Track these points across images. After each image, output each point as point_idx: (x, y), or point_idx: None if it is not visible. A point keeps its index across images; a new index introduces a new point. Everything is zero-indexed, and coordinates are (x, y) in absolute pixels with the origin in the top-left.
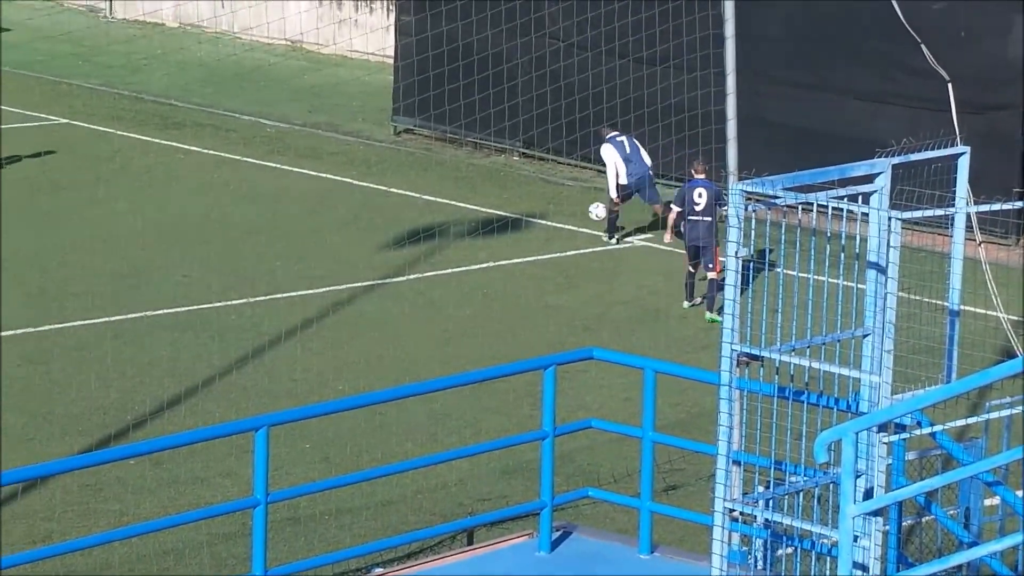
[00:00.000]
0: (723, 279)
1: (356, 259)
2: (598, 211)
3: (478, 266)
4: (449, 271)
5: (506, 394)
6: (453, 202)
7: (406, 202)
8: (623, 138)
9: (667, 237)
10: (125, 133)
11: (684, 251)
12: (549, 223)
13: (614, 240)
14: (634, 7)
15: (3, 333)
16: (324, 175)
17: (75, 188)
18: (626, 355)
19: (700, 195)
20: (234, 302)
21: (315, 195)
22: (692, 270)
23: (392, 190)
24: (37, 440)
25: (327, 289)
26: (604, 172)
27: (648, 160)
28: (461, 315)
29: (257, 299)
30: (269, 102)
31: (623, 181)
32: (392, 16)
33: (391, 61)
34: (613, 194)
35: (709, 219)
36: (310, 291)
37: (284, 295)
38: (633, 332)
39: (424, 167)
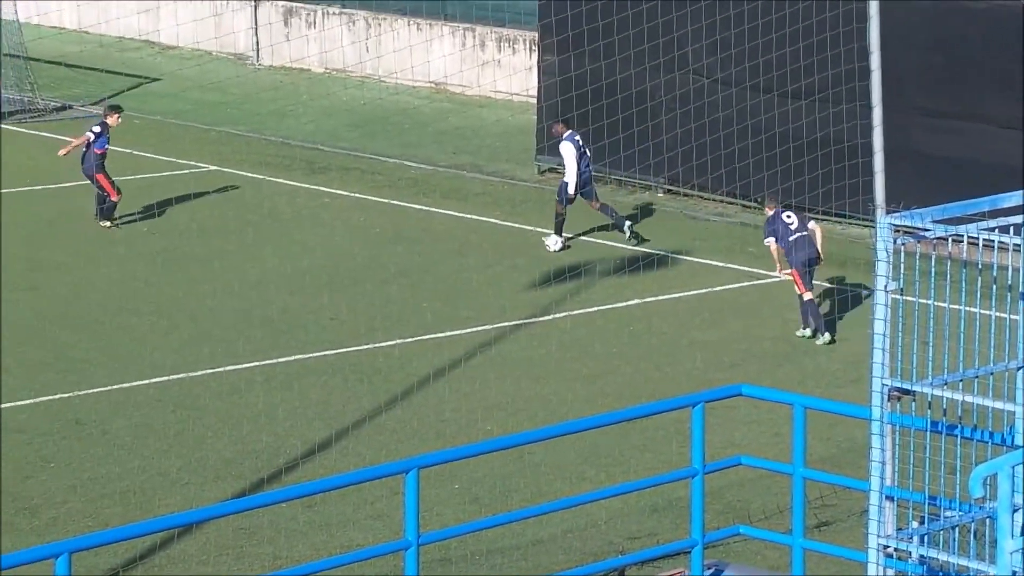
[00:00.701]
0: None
1: (502, 299)
2: (551, 243)
3: (623, 304)
4: (595, 309)
5: (654, 431)
6: (598, 240)
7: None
8: (578, 136)
9: (779, 271)
10: (273, 178)
11: (793, 277)
12: (694, 259)
13: (560, 241)
14: (778, 42)
15: (157, 379)
16: (469, 216)
17: (224, 234)
18: (775, 391)
19: (789, 216)
20: (382, 344)
21: (460, 236)
22: (810, 295)
23: (537, 229)
24: (192, 484)
25: (474, 329)
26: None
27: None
28: (607, 353)
29: (405, 341)
30: (414, 144)
31: (582, 178)
32: (535, 56)
33: (534, 101)
34: (572, 190)
35: (806, 233)
36: (457, 332)
37: (431, 336)
38: (780, 367)
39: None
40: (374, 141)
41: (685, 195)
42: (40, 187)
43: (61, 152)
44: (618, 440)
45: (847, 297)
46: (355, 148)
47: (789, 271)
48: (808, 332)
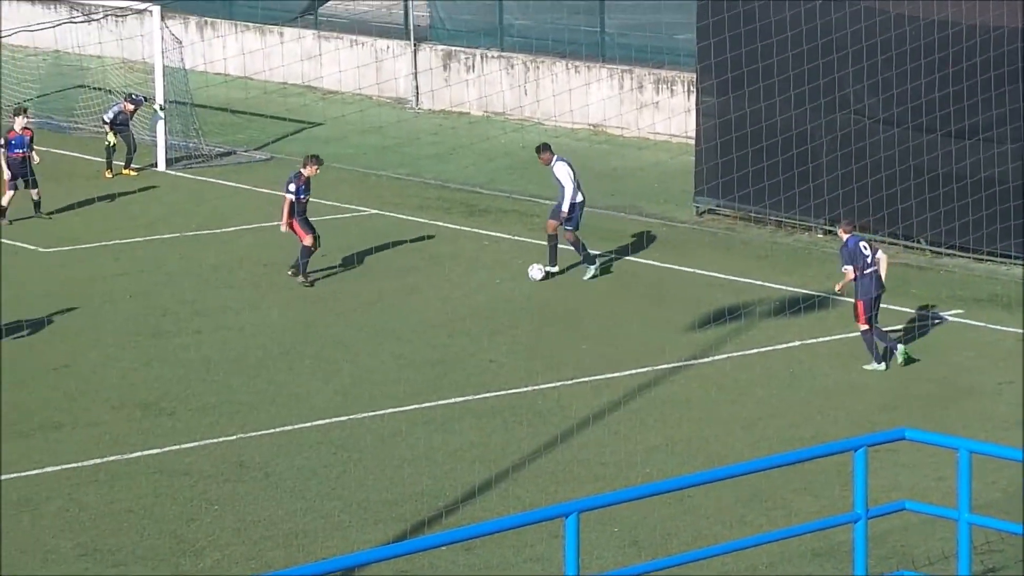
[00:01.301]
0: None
1: (661, 341)
2: (534, 273)
3: (784, 345)
4: (755, 351)
5: (815, 474)
6: (757, 281)
7: (710, 282)
8: (568, 159)
9: (838, 288)
10: (432, 221)
11: (857, 308)
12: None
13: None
14: (941, 82)
15: (319, 422)
16: (627, 257)
17: (384, 277)
18: (939, 435)
19: (866, 247)
20: (541, 386)
21: (619, 277)
22: (869, 327)
23: (695, 271)
24: (353, 527)
25: (633, 372)
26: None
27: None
28: (768, 395)
29: (563, 383)
30: None
31: (578, 199)
32: (694, 98)
33: (693, 143)
34: (566, 207)
35: (877, 268)
36: (616, 374)
37: (590, 378)
38: (944, 409)
39: (727, 247)
40: (532, 183)
41: None
42: (205, 232)
43: (282, 228)
44: (779, 483)
45: (1013, 339)
46: (514, 191)
47: (854, 300)
48: (883, 367)
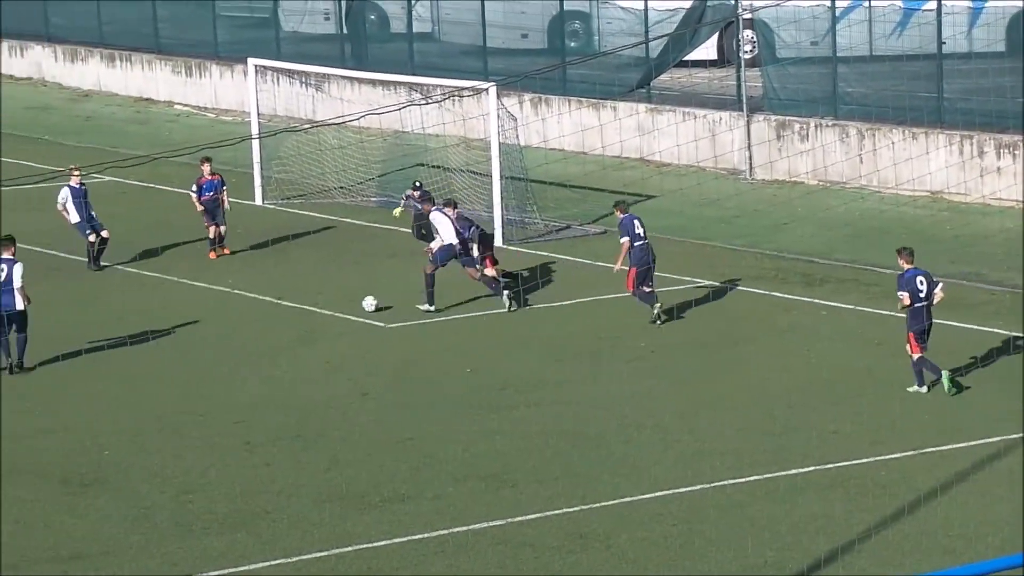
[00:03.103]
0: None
1: (1007, 410)
2: (368, 304)
3: None
4: None
5: None
6: None
7: None
8: (447, 210)
9: (901, 307)
10: (767, 292)
11: (909, 339)
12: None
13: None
14: None
15: (659, 493)
16: (970, 326)
17: (720, 347)
18: None
19: (922, 282)
20: (884, 457)
21: (961, 346)
22: (916, 354)
23: None
24: None
25: (978, 442)
26: None
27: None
28: None
29: (907, 453)
30: None
31: (453, 241)
32: None
33: None
34: (450, 244)
35: (929, 303)
36: (961, 444)
37: (935, 449)
38: None
39: None
40: (871, 252)
41: None
42: (541, 306)
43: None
44: None
45: None
46: (852, 260)
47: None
48: (925, 389)
